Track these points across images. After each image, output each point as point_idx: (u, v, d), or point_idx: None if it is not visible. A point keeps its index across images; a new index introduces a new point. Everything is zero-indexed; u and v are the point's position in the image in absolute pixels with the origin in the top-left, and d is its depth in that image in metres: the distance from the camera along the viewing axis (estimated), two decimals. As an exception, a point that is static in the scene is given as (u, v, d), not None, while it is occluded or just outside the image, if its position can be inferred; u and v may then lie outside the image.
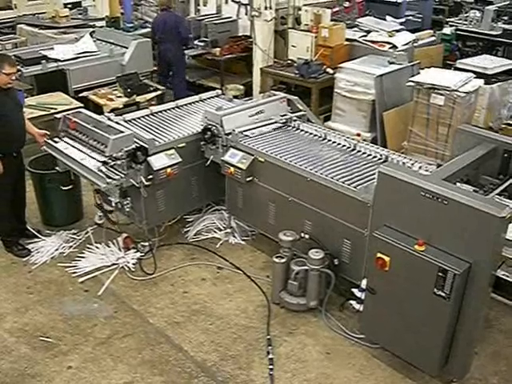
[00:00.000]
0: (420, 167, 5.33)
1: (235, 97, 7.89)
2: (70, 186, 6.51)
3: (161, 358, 5.00)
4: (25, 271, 6.09)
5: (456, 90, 6.88)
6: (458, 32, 10.68)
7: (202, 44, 10.69)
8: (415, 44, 9.55)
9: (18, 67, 8.16)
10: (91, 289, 5.82)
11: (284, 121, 6.50)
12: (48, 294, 5.75)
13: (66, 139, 6.22)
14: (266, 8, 9.53)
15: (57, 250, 6.36)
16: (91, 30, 11.05)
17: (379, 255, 4.41)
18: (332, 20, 9.68)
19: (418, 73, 7.70)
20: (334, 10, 10.34)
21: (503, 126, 8.12)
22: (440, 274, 4.09)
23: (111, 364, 4.93)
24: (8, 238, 6.36)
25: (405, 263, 4.29)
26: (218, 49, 10.53)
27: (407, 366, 4.75)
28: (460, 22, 10.96)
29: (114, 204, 5.73)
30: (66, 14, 11.95)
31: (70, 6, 13.28)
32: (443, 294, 4.13)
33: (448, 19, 11.63)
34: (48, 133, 6.32)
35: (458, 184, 4.63)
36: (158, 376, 4.81)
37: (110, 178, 5.53)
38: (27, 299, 5.69)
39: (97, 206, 6.31)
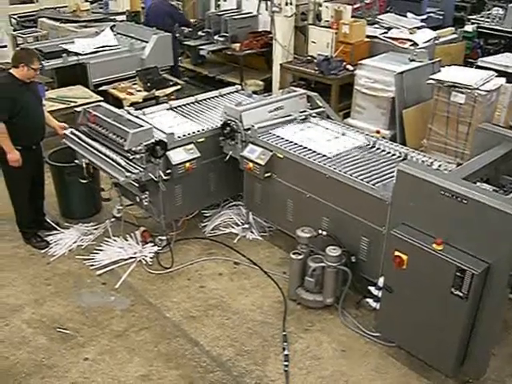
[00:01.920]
0: (439, 166, 5.29)
1: (254, 92, 7.90)
2: (88, 179, 6.55)
3: (176, 351, 5.02)
4: (43, 263, 6.14)
5: (477, 89, 6.82)
6: (480, 30, 10.56)
7: (221, 39, 10.70)
8: (436, 41, 9.46)
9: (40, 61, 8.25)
10: (108, 282, 5.86)
11: (303, 117, 6.48)
12: (66, 286, 5.80)
13: (85, 133, 6.26)
14: (286, 4, 9.50)
15: (75, 242, 6.42)
16: (112, 24, 11.11)
17: (397, 253, 4.40)
18: (353, 16, 9.63)
19: (439, 70, 7.64)
20: (355, 6, 10.28)
21: (524, 125, 8.05)
22: (458, 273, 4.07)
23: (127, 357, 4.96)
24: (27, 230, 6.42)
25: (422, 262, 4.27)
26: (238, 44, 10.53)
27: (423, 366, 4.74)
28: (482, 19, 10.85)
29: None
30: (86, 8, 12.03)
31: (90, 0, 13.36)
32: (461, 294, 4.11)
33: (470, 16, 11.51)
34: (67, 126, 6.37)
35: (478, 183, 4.59)
36: (174, 370, 4.83)
37: (128, 171, 5.56)
38: (45, 291, 5.74)
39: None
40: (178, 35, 11.10)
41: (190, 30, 11.32)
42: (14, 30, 12.02)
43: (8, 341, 5.11)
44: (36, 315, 5.42)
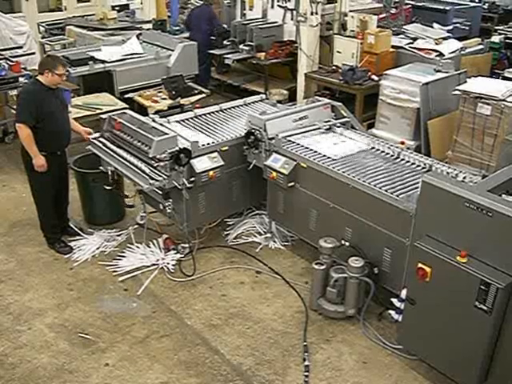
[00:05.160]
0: (464, 177, 5.24)
1: (279, 101, 7.90)
2: (113, 186, 6.59)
3: (197, 359, 5.02)
4: (66, 268, 6.19)
5: (503, 100, 6.75)
6: (507, 40, 10.48)
7: (246, 48, 10.73)
8: (462, 52, 9.42)
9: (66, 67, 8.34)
10: (131, 288, 5.88)
11: (327, 127, 6.46)
12: (88, 292, 5.84)
13: (110, 139, 6.31)
14: (312, 13, 9.55)
15: (98, 248, 6.46)
16: (138, 32, 11.23)
17: (420, 265, 4.36)
18: (378, 26, 9.64)
19: (465, 81, 7.59)
20: (381, 16, 10.29)
21: (551, 137, 7.94)
22: (482, 287, 4.01)
23: (148, 363, 4.97)
24: (51, 235, 6.48)
25: (446, 274, 4.22)
26: (263, 53, 10.55)
27: (445, 380, 4.67)
28: (509, 30, 10.78)
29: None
30: (113, 17, 12.16)
31: (117, 8, 13.56)
32: (485, 308, 4.05)
33: (497, 27, 11.43)
34: (92, 131, 6.43)
35: (504, 196, 4.53)
36: (194, 378, 4.82)
37: (152, 178, 5.59)
38: (68, 296, 5.78)
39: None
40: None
41: (216, 38, 11.42)
42: (42, 38, 12.25)
43: (30, 344, 5.15)
44: (58, 320, 5.46)
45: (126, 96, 9.14)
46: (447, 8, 11.02)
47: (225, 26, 11.71)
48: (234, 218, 6.93)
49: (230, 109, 7.22)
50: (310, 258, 6.10)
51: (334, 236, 5.46)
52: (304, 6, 9.54)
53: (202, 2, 12.17)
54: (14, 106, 6.64)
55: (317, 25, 9.72)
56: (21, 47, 11.14)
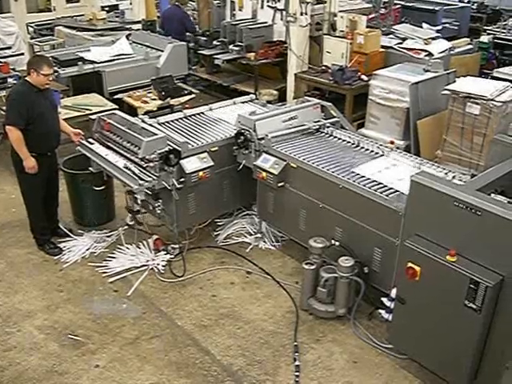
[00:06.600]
0: (453, 177, 5.26)
1: (269, 102, 7.89)
2: (102, 187, 6.57)
3: (187, 360, 5.01)
4: (56, 269, 6.16)
5: (492, 100, 6.78)
6: (496, 40, 10.52)
7: (236, 48, 10.72)
8: (451, 52, 9.44)
9: (55, 68, 8.31)
10: (121, 289, 5.86)
11: (317, 127, 6.47)
12: (78, 293, 5.81)
13: (99, 140, 6.28)
14: (301, 14, 9.53)
15: (88, 249, 6.43)
16: (127, 32, 11.22)
17: (410, 265, 4.37)
18: (368, 26, 9.64)
19: (454, 81, 7.61)
20: (370, 16, 10.30)
21: (540, 136, 7.97)
22: (471, 285, 4.03)
23: (138, 364, 4.95)
24: (40, 237, 6.45)
25: (436, 273, 4.24)
26: (253, 53, 10.54)
27: (435, 379, 4.68)
28: (498, 30, 10.83)
29: (139, 201, 5.70)
30: (103, 17, 12.15)
31: (107, 8, 13.56)
32: (474, 307, 4.07)
33: (486, 27, 11.48)
34: (82, 132, 6.40)
35: (493, 195, 4.55)
36: (184, 378, 4.81)
37: (142, 179, 5.57)
38: (57, 297, 5.76)
39: (127, 208, 6.35)
40: (193, 44, 11.34)
41: (206, 39, 11.41)
42: (31, 38, 12.21)
43: (20, 346, 5.12)
44: (48, 321, 5.44)
45: (116, 97, 9.11)
46: (436, 8, 11.06)
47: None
48: (224, 219, 6.92)
49: (219, 109, 7.20)
50: (300, 258, 6.10)
51: (323, 236, 5.47)
52: (293, 7, 9.53)
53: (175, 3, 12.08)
54: (4, 107, 6.60)
55: (306, 25, 9.71)
56: (9, 48, 11.08)
